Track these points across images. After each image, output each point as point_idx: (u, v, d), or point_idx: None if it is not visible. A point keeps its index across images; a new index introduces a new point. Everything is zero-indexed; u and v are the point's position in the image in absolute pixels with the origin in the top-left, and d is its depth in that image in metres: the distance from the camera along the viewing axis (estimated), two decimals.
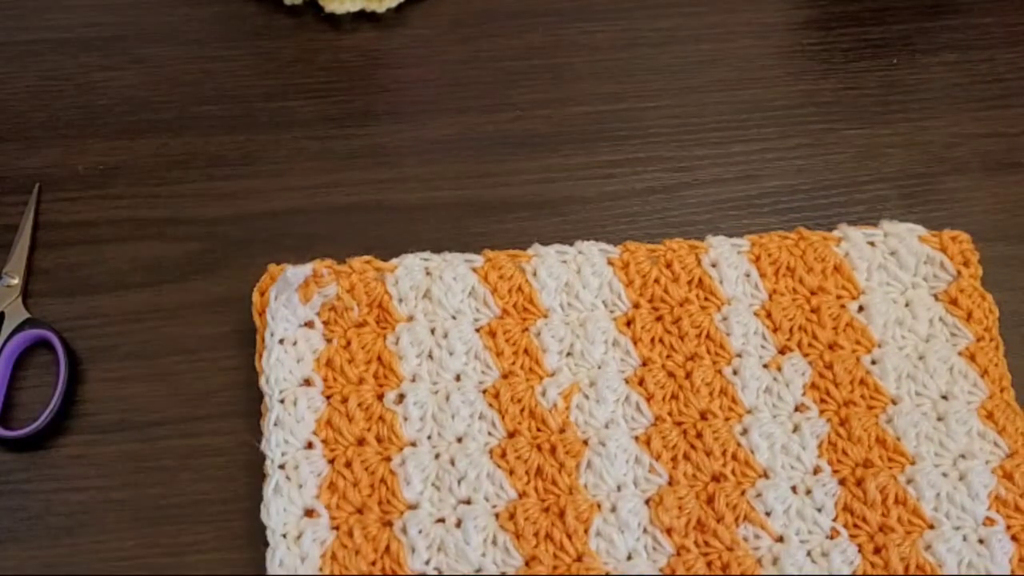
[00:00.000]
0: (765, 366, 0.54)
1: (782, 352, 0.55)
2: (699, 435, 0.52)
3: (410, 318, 0.55)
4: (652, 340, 0.55)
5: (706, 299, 0.56)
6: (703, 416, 0.53)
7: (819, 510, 0.51)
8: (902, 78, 0.65)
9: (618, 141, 0.62)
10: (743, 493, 0.51)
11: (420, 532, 0.50)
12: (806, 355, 0.55)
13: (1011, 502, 0.51)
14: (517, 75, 0.65)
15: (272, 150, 0.62)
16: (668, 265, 0.56)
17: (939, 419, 0.53)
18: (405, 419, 0.52)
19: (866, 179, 0.62)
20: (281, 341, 0.53)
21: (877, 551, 0.50)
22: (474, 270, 0.56)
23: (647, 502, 0.51)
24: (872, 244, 0.57)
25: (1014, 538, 0.50)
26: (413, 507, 0.51)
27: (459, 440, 0.52)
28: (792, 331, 0.55)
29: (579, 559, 0.50)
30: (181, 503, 0.52)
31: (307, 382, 0.53)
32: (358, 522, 0.50)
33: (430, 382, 0.53)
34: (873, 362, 0.54)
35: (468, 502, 0.51)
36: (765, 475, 0.52)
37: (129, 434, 0.54)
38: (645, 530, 0.50)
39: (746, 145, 0.63)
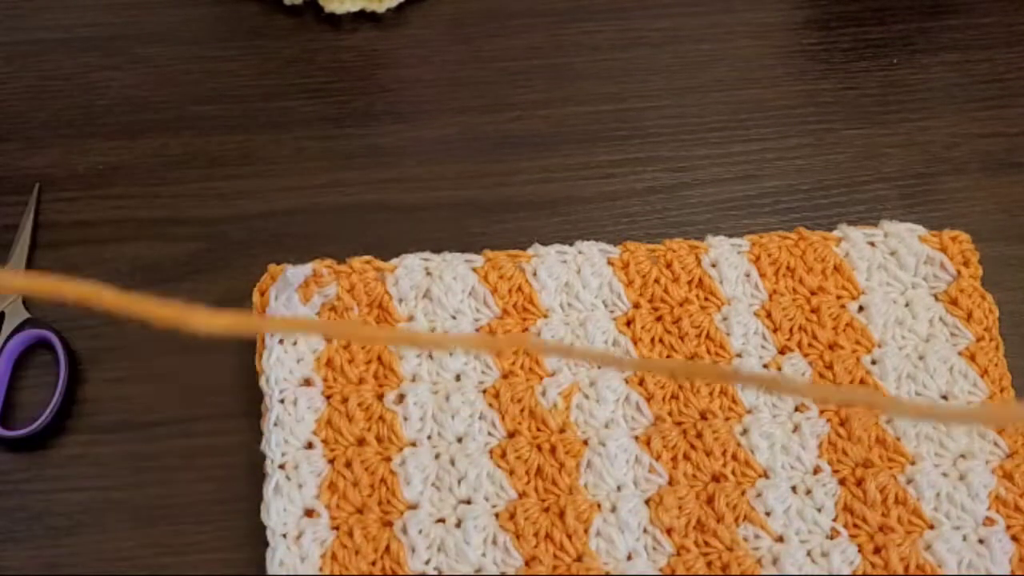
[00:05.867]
0: (765, 366, 0.54)
1: (782, 352, 0.55)
2: (699, 435, 0.52)
3: (410, 318, 0.55)
4: (652, 340, 0.55)
5: (706, 299, 0.56)
6: (703, 416, 0.53)
7: (819, 510, 0.51)
8: (902, 78, 0.65)
9: (618, 141, 0.62)
10: (743, 493, 0.51)
11: (420, 532, 0.50)
12: (806, 355, 0.55)
13: (1011, 502, 0.51)
14: (517, 75, 0.65)
15: (272, 150, 0.62)
16: (668, 265, 0.56)
17: None
18: (405, 419, 0.52)
19: (866, 179, 0.62)
20: (281, 341, 0.53)
21: (877, 551, 0.50)
22: (474, 270, 0.56)
23: (647, 502, 0.51)
24: (872, 244, 0.57)
25: (1014, 538, 0.50)
26: (413, 507, 0.51)
27: (459, 440, 0.52)
28: (792, 331, 0.55)
29: (579, 559, 0.50)
30: (181, 503, 0.52)
31: (307, 382, 0.53)
32: (358, 522, 0.50)
33: (430, 382, 0.53)
34: (873, 362, 0.54)
35: (468, 502, 0.51)
36: (765, 475, 0.52)
37: (129, 434, 0.54)
38: (645, 530, 0.50)
39: (746, 145, 0.63)
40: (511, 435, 0.52)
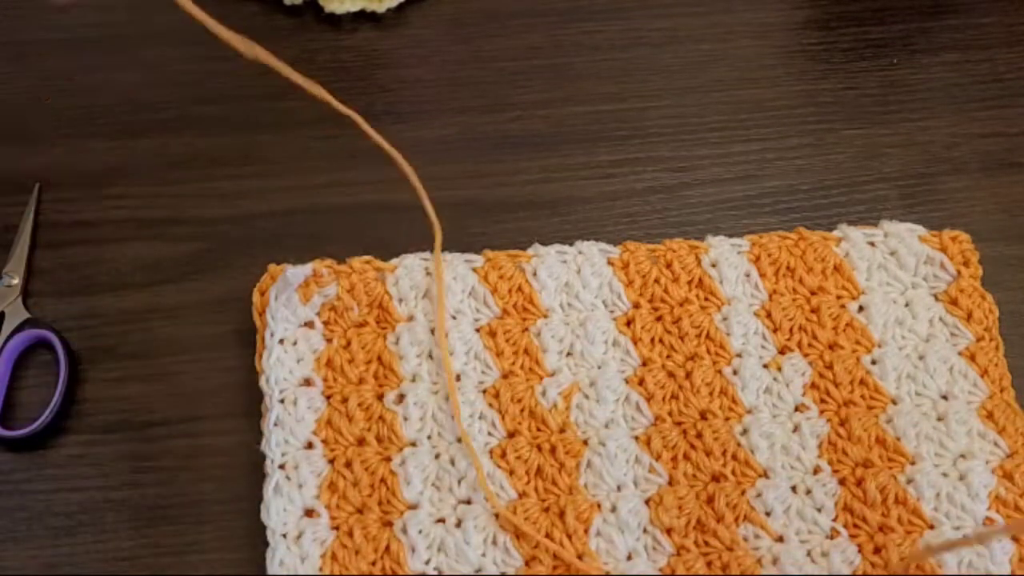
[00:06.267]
0: (765, 366, 0.54)
1: (782, 352, 0.55)
2: (699, 435, 0.52)
3: (410, 318, 0.55)
4: (652, 340, 0.55)
5: (706, 299, 0.56)
6: (703, 416, 0.53)
7: (819, 510, 0.51)
8: (902, 78, 0.65)
9: (618, 141, 0.62)
10: (743, 493, 0.51)
11: (420, 532, 0.50)
12: (806, 355, 0.55)
13: (1011, 502, 0.51)
14: (517, 75, 0.65)
15: (272, 150, 0.62)
16: (668, 265, 0.56)
17: (939, 419, 0.53)
18: (405, 419, 0.52)
19: (866, 179, 0.62)
20: (281, 341, 0.53)
21: (877, 551, 0.50)
22: (474, 270, 0.56)
23: (647, 502, 0.51)
24: (872, 244, 0.57)
25: (1014, 538, 0.50)
26: (413, 507, 0.51)
27: (459, 440, 0.52)
28: (792, 331, 0.55)
29: (579, 559, 0.50)
30: (181, 503, 0.52)
31: (307, 382, 0.53)
32: (358, 522, 0.50)
33: (430, 382, 0.53)
34: (873, 362, 0.54)
35: (468, 502, 0.51)
36: (765, 475, 0.52)
37: (129, 434, 0.54)
38: (645, 530, 0.50)
39: (746, 145, 0.63)
40: (511, 435, 0.52)
